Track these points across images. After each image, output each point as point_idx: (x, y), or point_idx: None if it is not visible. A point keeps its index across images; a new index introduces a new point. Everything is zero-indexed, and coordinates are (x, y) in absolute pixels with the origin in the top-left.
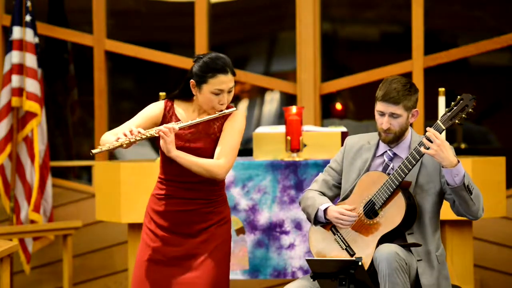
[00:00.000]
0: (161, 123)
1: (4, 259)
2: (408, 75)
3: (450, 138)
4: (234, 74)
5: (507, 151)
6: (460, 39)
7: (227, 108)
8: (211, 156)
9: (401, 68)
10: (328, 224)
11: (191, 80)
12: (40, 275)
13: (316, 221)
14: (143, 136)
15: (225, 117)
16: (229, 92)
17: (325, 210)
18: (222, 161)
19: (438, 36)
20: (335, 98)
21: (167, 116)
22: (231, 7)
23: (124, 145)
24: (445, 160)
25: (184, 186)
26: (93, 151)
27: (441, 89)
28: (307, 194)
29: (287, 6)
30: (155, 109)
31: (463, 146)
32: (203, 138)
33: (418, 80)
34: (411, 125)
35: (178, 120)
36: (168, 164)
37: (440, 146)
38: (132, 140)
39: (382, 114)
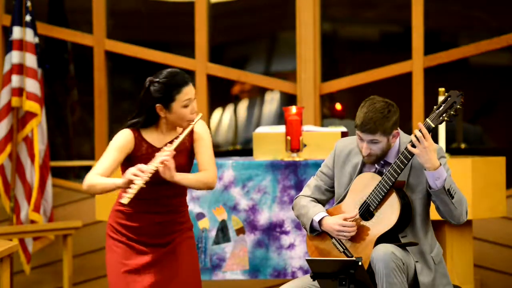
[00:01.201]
0: (133, 152)
1: (4, 259)
2: (408, 75)
3: (450, 138)
4: (193, 82)
5: (507, 151)
6: (460, 39)
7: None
8: (189, 170)
9: (401, 68)
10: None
11: (157, 105)
12: (40, 275)
13: (312, 229)
14: (152, 171)
15: (191, 131)
16: (194, 99)
17: (320, 221)
18: (211, 171)
19: (438, 36)
20: (335, 98)
21: (138, 144)
22: (231, 7)
23: (144, 185)
24: (428, 162)
25: (158, 202)
26: (123, 201)
27: (441, 89)
28: (300, 202)
29: (287, 6)
30: (126, 139)
31: (463, 146)
32: (179, 155)
33: (418, 80)
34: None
35: (151, 146)
36: (153, 183)
37: (426, 148)
38: (146, 179)
39: (362, 140)
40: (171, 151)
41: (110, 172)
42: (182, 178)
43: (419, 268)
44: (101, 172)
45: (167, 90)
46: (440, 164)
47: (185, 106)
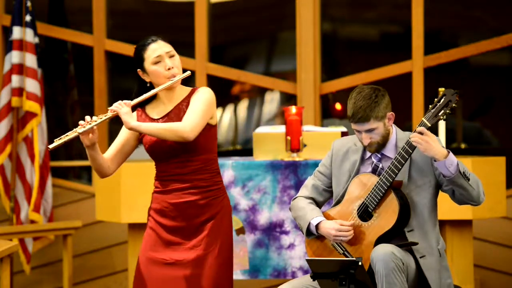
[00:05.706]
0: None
1: (4, 259)
2: (408, 75)
3: (450, 138)
4: (166, 41)
5: (507, 151)
6: (460, 39)
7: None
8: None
9: (401, 68)
10: None
11: (138, 70)
12: (40, 275)
13: (308, 232)
14: (98, 120)
15: (190, 95)
16: (171, 57)
17: (317, 225)
18: (187, 122)
19: (438, 36)
20: (335, 98)
21: (142, 121)
22: (231, 7)
23: (79, 132)
24: (436, 154)
25: (175, 178)
26: (50, 146)
27: (441, 89)
28: (297, 203)
29: (287, 6)
30: None
31: (463, 146)
32: (175, 120)
33: (418, 80)
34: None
35: (151, 119)
36: (157, 159)
37: (428, 142)
38: (87, 127)
39: (359, 131)
40: (125, 101)
41: (114, 148)
42: (140, 125)
43: (426, 264)
44: (108, 151)
45: (136, 52)
46: (449, 152)
47: (156, 63)
